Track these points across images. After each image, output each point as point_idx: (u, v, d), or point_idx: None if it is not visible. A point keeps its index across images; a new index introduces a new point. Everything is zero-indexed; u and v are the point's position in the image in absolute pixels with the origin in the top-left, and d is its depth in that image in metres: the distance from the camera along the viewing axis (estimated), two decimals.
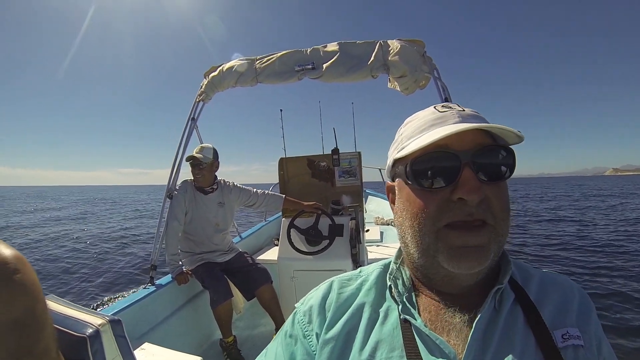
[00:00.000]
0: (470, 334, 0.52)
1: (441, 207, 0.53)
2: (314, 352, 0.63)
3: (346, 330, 0.62)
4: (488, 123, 0.57)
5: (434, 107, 0.62)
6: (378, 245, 4.21)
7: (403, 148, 0.60)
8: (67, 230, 14.64)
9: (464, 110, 0.59)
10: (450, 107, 0.60)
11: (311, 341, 0.64)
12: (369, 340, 0.59)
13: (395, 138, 0.66)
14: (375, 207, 7.42)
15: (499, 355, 0.51)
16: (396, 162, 0.63)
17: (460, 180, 0.52)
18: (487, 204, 0.53)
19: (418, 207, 0.56)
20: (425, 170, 0.55)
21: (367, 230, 4.68)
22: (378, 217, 6.00)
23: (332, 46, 2.72)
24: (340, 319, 0.64)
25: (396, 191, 0.64)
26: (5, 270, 0.91)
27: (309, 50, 2.78)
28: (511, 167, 0.56)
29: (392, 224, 5.55)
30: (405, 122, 0.66)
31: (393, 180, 0.66)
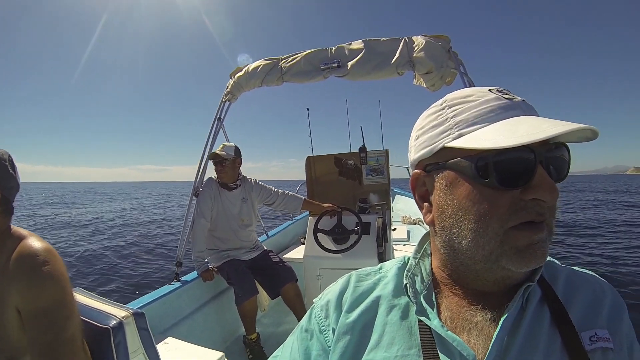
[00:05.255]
0: (496, 332, 0.49)
1: (512, 207, 0.48)
2: (330, 347, 0.62)
3: (362, 324, 0.61)
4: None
5: (489, 89, 0.54)
6: (405, 244, 4.16)
7: (462, 135, 0.52)
8: (91, 224, 15.07)
9: (524, 100, 0.53)
10: (507, 92, 0.54)
11: (327, 336, 0.63)
12: (386, 336, 0.57)
13: (437, 120, 0.56)
14: (403, 206, 7.33)
15: (522, 356, 0.49)
16: (444, 150, 0.54)
17: (536, 180, 0.47)
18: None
19: (485, 208, 0.49)
20: (502, 166, 0.48)
21: (394, 229, 4.63)
22: (405, 217, 5.92)
23: (357, 44, 2.70)
24: (355, 311, 0.62)
25: (440, 185, 0.55)
26: (35, 262, 0.95)
27: (334, 48, 2.77)
28: (569, 166, 0.52)
29: (420, 223, 5.46)
30: (449, 102, 0.56)
31: (425, 170, 0.58)
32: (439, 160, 0.55)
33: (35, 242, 1.00)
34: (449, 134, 0.53)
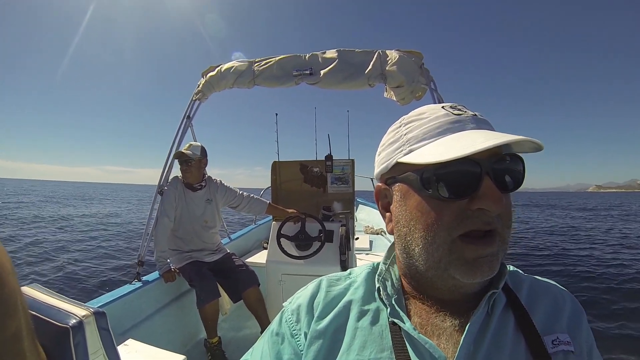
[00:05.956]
0: (463, 337, 0.52)
1: (458, 217, 0.51)
2: (302, 352, 0.62)
3: (333, 328, 0.62)
4: (494, 130, 0.55)
5: (442, 106, 0.58)
6: (367, 254, 4.20)
7: (412, 151, 0.56)
8: (54, 221, 14.41)
9: (475, 115, 0.57)
10: (459, 109, 0.57)
11: (299, 340, 0.64)
12: (358, 339, 0.59)
13: (394, 137, 0.60)
14: (366, 216, 7.38)
15: (489, 359, 0.51)
16: (398, 165, 0.58)
17: (482, 191, 0.50)
18: (499, 213, 0.52)
19: (432, 218, 0.53)
20: (445, 178, 0.52)
21: (357, 239, 4.68)
22: (368, 227, 5.97)
23: (331, 53, 2.74)
24: (327, 317, 0.63)
25: (396, 197, 0.60)
26: None
27: (307, 55, 2.79)
28: (522, 176, 0.55)
29: (382, 233, 5.53)
30: (405, 120, 0.60)
31: (386, 183, 0.62)
32: (395, 174, 0.60)
33: None
34: (402, 150, 0.58)
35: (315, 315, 0.65)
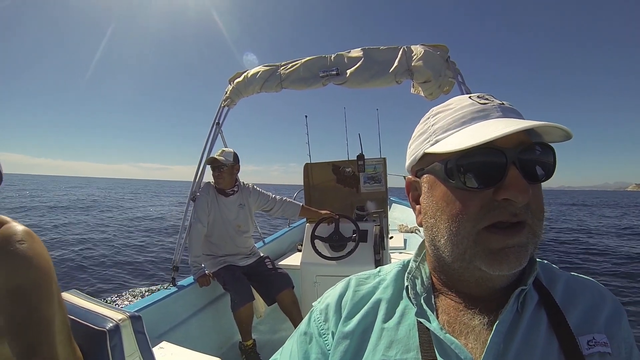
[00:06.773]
0: (490, 337, 0.50)
1: (484, 207, 0.50)
2: (329, 351, 0.62)
3: (362, 328, 0.61)
4: (524, 119, 0.54)
5: (469, 96, 0.58)
6: (401, 253, 4.15)
7: (438, 141, 0.56)
8: (89, 226, 14.87)
9: (503, 103, 0.55)
10: (487, 98, 0.57)
11: (326, 340, 0.64)
12: (384, 339, 0.58)
13: (422, 129, 0.60)
14: (400, 214, 7.30)
15: None
16: (426, 156, 0.58)
17: (507, 180, 0.49)
18: (528, 204, 0.50)
19: (457, 208, 0.52)
20: (469, 168, 0.51)
21: (391, 237, 4.63)
22: (402, 225, 5.89)
23: (356, 52, 2.72)
24: (355, 317, 0.63)
25: (424, 188, 0.59)
26: (10, 241, 0.94)
27: (333, 56, 2.78)
28: (552, 166, 0.53)
29: (417, 231, 5.45)
30: (434, 111, 0.60)
31: (416, 175, 0.62)
32: (423, 166, 0.59)
33: (14, 226, 0.99)
34: (429, 141, 0.58)
35: (343, 315, 0.64)
